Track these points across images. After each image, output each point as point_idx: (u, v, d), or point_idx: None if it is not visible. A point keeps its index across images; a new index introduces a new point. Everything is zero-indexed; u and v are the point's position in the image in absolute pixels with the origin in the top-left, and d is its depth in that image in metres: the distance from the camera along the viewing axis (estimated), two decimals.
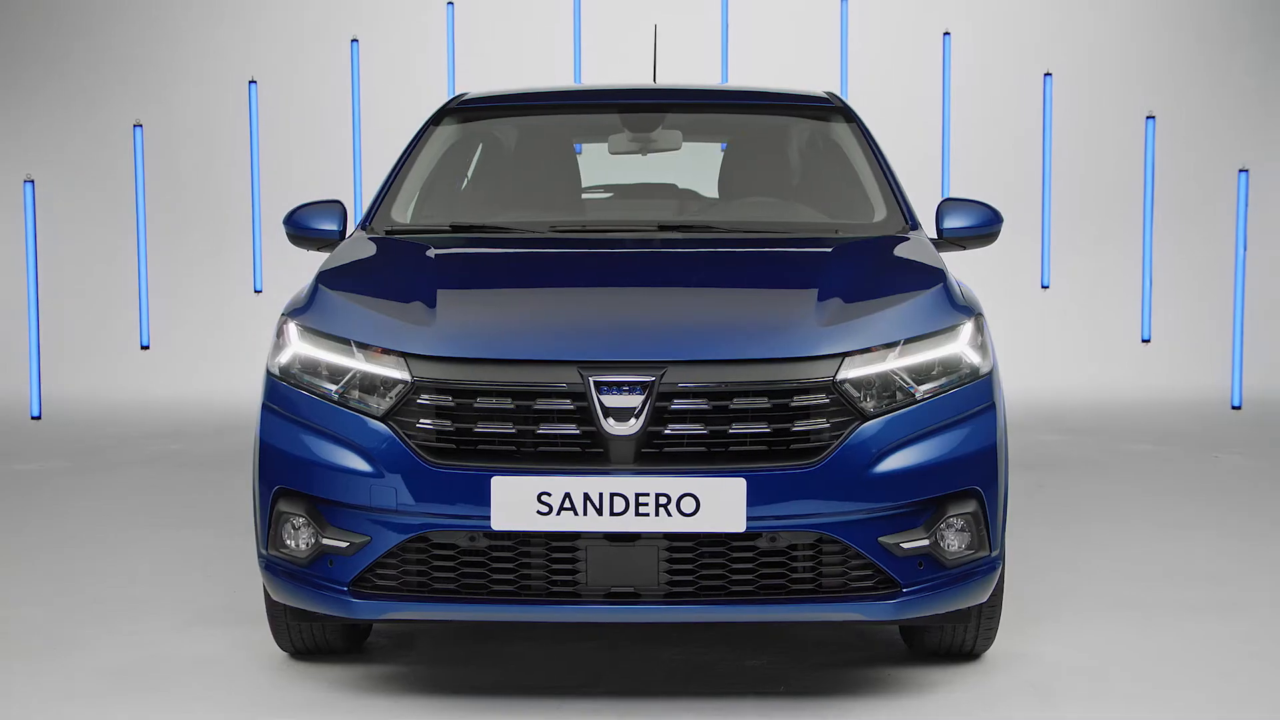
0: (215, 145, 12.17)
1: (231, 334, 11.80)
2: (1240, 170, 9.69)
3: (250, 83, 11.31)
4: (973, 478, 3.92)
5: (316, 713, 4.01)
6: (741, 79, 11.67)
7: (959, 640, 4.32)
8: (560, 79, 11.79)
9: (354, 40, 11.59)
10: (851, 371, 3.80)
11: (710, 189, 5.60)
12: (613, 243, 4.64)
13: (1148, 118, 10.48)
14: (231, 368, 11.53)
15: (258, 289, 11.40)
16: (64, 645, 4.67)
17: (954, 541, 3.89)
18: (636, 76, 11.70)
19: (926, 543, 3.83)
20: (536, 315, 4.03)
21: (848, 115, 5.48)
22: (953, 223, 4.99)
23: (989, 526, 3.96)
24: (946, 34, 11.55)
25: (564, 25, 11.85)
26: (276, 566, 4.00)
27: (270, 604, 4.30)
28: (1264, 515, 6.81)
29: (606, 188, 5.87)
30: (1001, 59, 12.10)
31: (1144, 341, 10.63)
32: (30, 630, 4.85)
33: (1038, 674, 4.30)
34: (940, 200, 5.09)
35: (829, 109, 5.51)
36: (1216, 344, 10.90)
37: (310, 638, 4.37)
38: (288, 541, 3.95)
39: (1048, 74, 11.14)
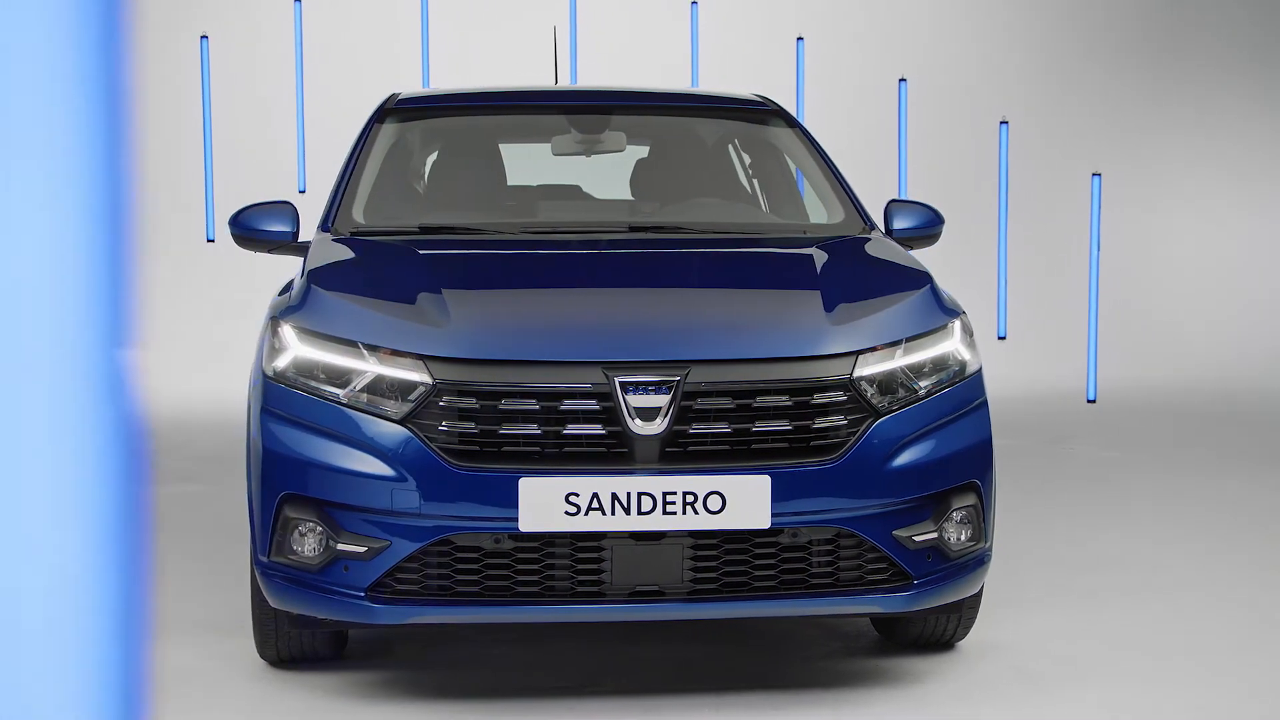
0: None
1: None
2: (1093, 174, 10.08)
3: None
4: (973, 471, 4.05)
5: (318, 717, 3.96)
6: (592, 80, 11.73)
7: (940, 630, 4.45)
8: (409, 81, 11.70)
9: (204, 37, 11.33)
10: (865, 369, 3.89)
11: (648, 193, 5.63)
12: (601, 243, 4.65)
13: (1001, 123, 10.83)
14: None
15: None
16: None
17: (957, 533, 4.01)
18: (489, 80, 11.68)
19: (935, 535, 3.95)
20: (558, 316, 4.03)
21: (788, 119, 5.59)
22: (901, 223, 5.12)
23: (985, 518, 4.10)
24: (800, 39, 11.78)
25: (413, 26, 11.76)
26: (277, 573, 3.93)
27: (260, 611, 4.21)
28: (1138, 502, 7.11)
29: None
30: (855, 64, 12.39)
31: (1000, 339, 10.99)
32: None
33: (1019, 660, 4.45)
34: (887, 202, 5.23)
35: (768, 112, 5.61)
36: (1070, 340, 11.33)
37: (298, 645, 4.29)
38: (295, 548, 3.87)
39: (902, 80, 11.44)
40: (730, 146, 5.69)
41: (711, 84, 11.78)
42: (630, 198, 5.48)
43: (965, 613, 4.40)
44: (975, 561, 4.10)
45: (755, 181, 5.60)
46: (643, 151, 5.74)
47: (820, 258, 4.46)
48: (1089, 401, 10.35)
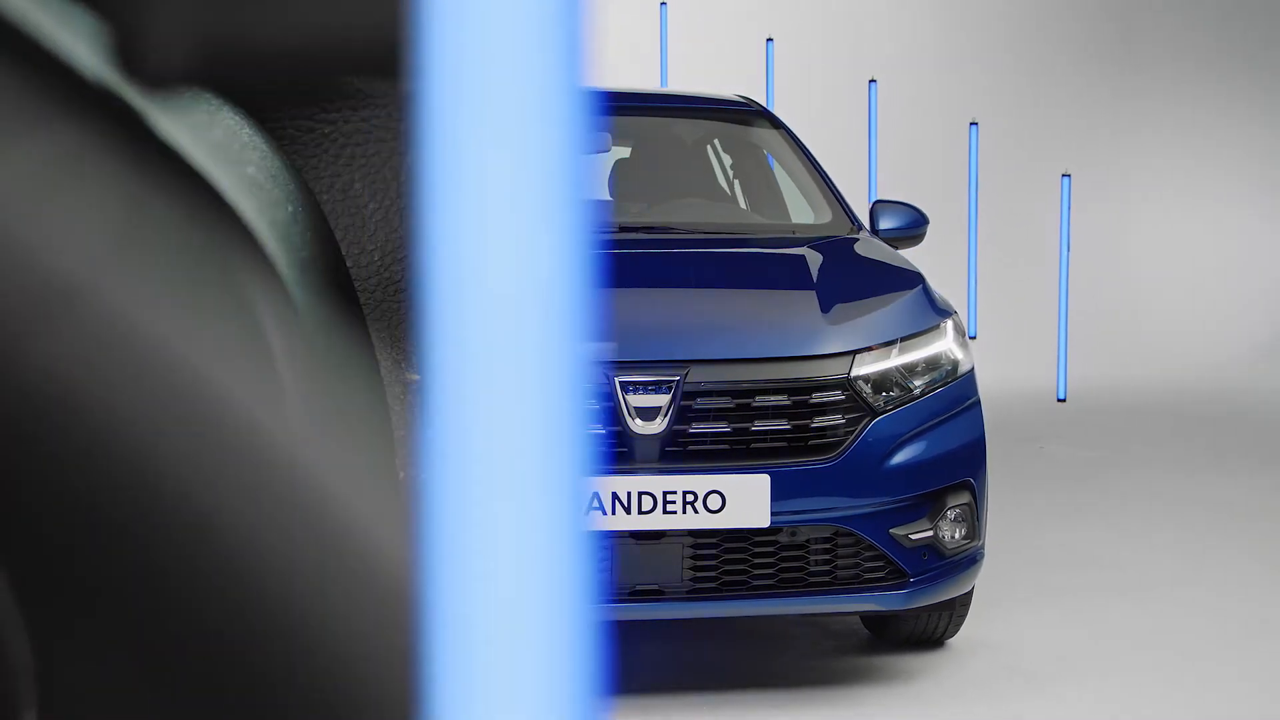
0: None
1: None
2: (1063, 175, 10.17)
3: None
4: (967, 469, 4.10)
5: None
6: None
7: (932, 628, 4.48)
8: None
9: None
10: (862, 369, 3.93)
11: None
12: (594, 243, 4.66)
13: (971, 124, 10.90)
14: None
15: None
16: None
17: (952, 531, 4.05)
18: None
19: (931, 534, 3.98)
20: None
21: (773, 120, 5.62)
22: (887, 224, 5.16)
23: (978, 516, 4.14)
24: (769, 40, 11.82)
25: None
26: None
27: None
28: (1121, 501, 7.17)
29: None
30: (825, 65, 12.44)
31: (970, 339, 11.06)
32: None
33: (1010, 658, 4.49)
34: (873, 202, 5.27)
35: (753, 113, 5.64)
36: (1041, 340, 11.42)
37: None
38: None
39: (872, 80, 11.49)
40: (709, 148, 5.72)
41: (681, 85, 11.81)
42: (608, 199, 5.49)
43: (956, 610, 4.44)
44: (969, 559, 4.14)
45: (736, 183, 5.63)
46: (622, 152, 5.76)
47: (814, 258, 4.49)
48: (1059, 401, 10.44)
